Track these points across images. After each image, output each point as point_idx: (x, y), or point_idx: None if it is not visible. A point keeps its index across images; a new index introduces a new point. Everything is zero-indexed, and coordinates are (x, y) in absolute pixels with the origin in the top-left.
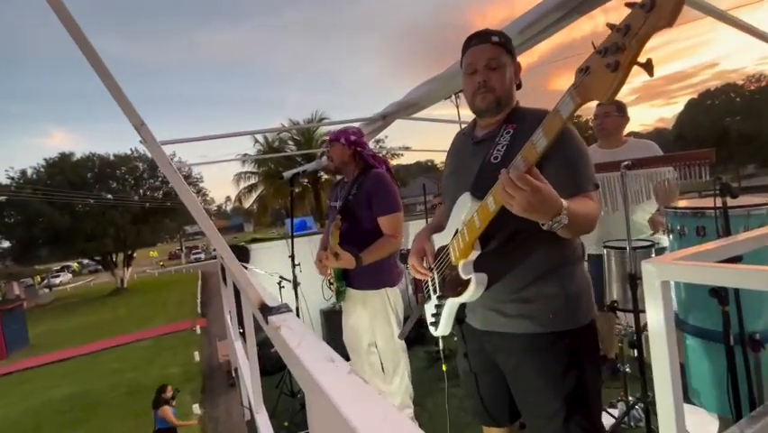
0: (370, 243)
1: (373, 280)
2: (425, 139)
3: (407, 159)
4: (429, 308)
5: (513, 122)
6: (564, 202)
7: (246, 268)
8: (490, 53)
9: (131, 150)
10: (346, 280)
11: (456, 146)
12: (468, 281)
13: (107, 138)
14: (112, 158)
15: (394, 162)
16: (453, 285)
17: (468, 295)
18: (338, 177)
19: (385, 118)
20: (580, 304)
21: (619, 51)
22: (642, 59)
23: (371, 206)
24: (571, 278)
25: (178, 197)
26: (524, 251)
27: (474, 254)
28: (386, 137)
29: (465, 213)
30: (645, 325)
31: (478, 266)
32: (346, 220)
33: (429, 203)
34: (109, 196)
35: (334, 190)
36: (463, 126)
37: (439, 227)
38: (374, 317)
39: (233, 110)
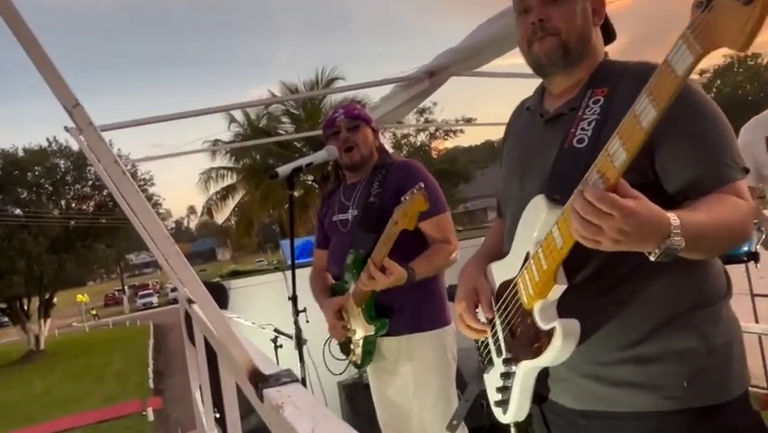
0: (410, 256)
1: (420, 315)
2: (499, 106)
3: (470, 137)
4: (492, 380)
5: (602, 83)
6: (672, 216)
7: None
8: None
9: (47, 140)
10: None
11: (517, 127)
12: (550, 333)
13: (11, 124)
14: (21, 153)
15: (450, 144)
16: (528, 340)
17: (551, 355)
18: (329, 183)
19: (433, 76)
20: (730, 363)
21: None
22: None
23: None
24: (716, 323)
25: (116, 209)
26: (637, 282)
27: (557, 290)
28: (434, 104)
29: (539, 227)
30: None
31: (564, 308)
32: (372, 231)
33: None
34: (18, 211)
35: (327, 202)
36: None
37: (496, 253)
38: (425, 380)
39: (197, 76)
